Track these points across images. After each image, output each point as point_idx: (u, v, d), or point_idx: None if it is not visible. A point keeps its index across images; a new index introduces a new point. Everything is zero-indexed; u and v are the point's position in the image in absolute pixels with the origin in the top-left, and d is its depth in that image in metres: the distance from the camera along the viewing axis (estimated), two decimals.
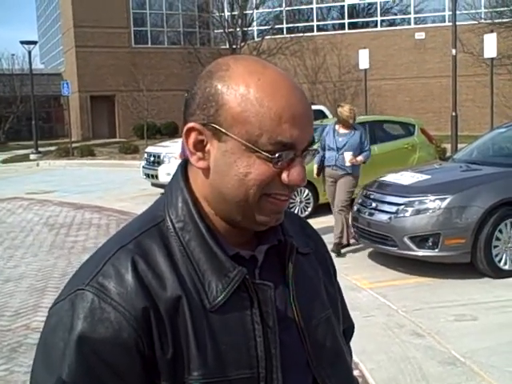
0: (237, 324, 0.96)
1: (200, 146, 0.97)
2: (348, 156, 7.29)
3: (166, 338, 0.93)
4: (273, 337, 0.98)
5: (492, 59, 16.61)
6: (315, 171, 7.69)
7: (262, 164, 0.94)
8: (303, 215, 9.11)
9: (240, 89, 0.94)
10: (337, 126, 7.56)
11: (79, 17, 32.14)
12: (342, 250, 7.43)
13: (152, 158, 12.79)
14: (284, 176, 0.95)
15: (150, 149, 13.64)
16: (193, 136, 0.97)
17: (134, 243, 0.98)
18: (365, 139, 7.55)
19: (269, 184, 0.95)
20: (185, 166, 1.06)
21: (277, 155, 0.93)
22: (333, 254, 6.94)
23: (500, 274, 6.27)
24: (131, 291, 0.93)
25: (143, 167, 13.09)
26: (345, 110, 7.39)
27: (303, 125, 0.95)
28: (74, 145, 24.41)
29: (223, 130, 0.94)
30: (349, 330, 1.26)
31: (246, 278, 0.97)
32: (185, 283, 0.95)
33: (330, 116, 14.73)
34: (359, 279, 6.40)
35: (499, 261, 6.29)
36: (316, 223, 7.53)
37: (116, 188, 14.54)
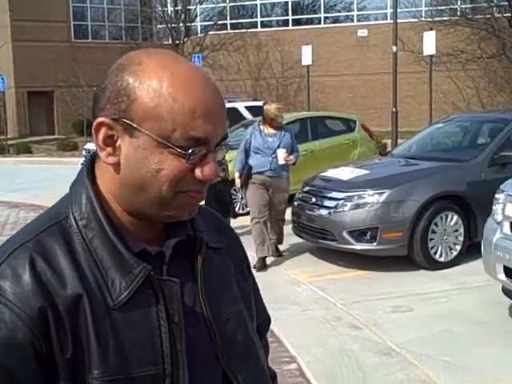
0: (142, 321, 0.95)
1: (110, 141, 0.96)
2: (281, 153, 6.61)
3: (65, 336, 0.91)
4: (178, 333, 0.97)
5: (431, 56, 17.02)
6: (238, 182, 6.79)
7: (174, 160, 0.93)
8: (244, 211, 9.11)
9: (153, 83, 0.93)
10: (262, 127, 6.81)
11: (16, 10, 31.17)
12: (281, 247, 7.05)
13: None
14: (197, 172, 0.95)
15: (89, 145, 13.44)
16: (103, 131, 0.96)
17: (33, 241, 0.96)
18: (294, 139, 6.94)
19: (182, 179, 0.94)
20: (92, 162, 1.03)
21: (190, 151, 0.92)
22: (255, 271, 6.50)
23: (436, 265, 6.44)
24: (28, 290, 0.90)
25: (82, 164, 12.82)
26: (272, 107, 6.72)
27: (216, 120, 0.95)
28: (9, 142, 23.86)
29: (135, 126, 0.93)
30: (264, 323, 1.27)
31: (151, 274, 0.96)
32: (87, 281, 0.94)
33: None
34: (299, 274, 6.42)
35: (435, 253, 6.46)
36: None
37: (53, 186, 14.09)
